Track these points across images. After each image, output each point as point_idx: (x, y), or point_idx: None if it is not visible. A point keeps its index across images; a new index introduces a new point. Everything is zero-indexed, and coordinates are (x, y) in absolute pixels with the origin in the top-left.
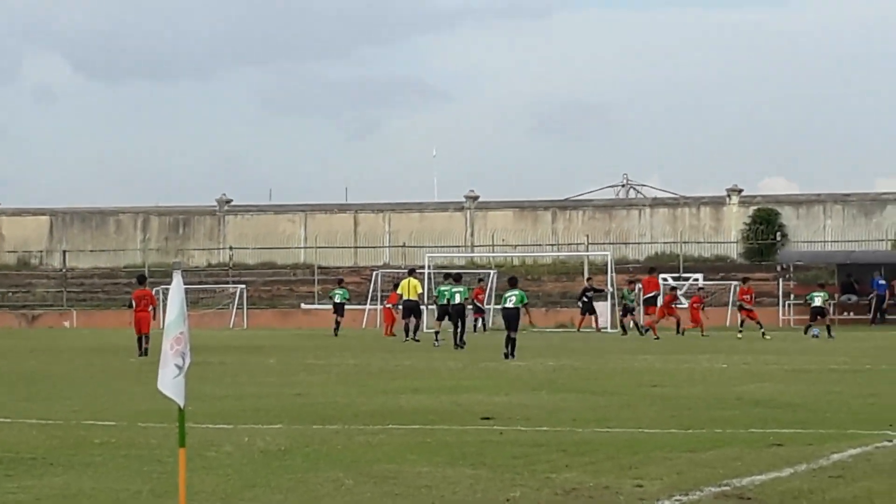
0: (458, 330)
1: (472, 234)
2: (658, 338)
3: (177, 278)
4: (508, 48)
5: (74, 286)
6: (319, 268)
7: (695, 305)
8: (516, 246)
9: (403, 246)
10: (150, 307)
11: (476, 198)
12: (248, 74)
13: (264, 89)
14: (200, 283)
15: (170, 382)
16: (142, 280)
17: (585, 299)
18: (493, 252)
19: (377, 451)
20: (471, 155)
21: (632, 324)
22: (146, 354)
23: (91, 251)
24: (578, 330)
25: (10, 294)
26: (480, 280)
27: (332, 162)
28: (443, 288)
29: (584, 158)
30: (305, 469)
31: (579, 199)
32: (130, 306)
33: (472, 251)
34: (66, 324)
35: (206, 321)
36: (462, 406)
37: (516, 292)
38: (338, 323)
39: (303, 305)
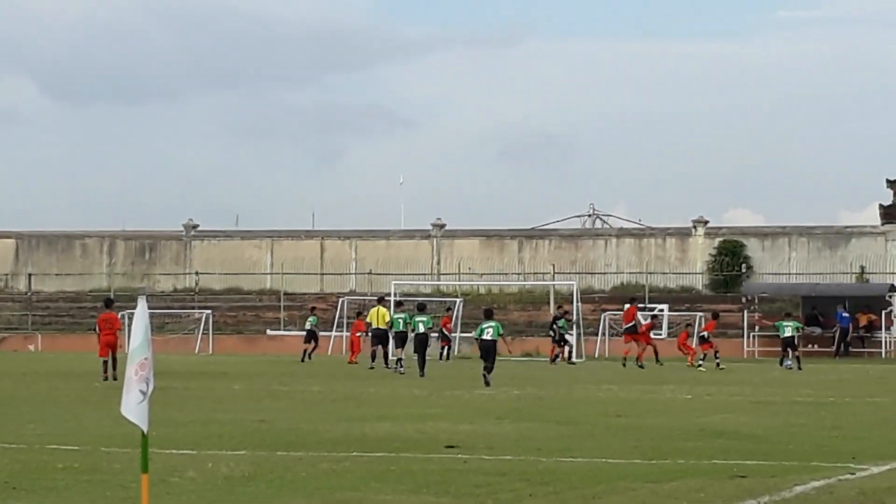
0: (421, 359)
1: (438, 262)
2: (643, 366)
3: (141, 304)
4: (475, 76)
5: (40, 309)
6: (286, 294)
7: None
8: (482, 274)
9: (370, 273)
10: (116, 330)
11: (443, 226)
12: (216, 98)
13: (232, 114)
14: (166, 307)
15: (134, 407)
16: (108, 304)
17: (554, 329)
18: (460, 280)
19: (341, 478)
20: (437, 183)
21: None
22: (115, 379)
23: (57, 275)
24: (552, 361)
25: None
26: (448, 309)
27: (300, 188)
28: (397, 316)
29: (550, 188)
30: (269, 496)
31: (546, 228)
32: (96, 330)
33: (439, 279)
34: (31, 347)
35: (171, 346)
36: (426, 434)
37: (493, 323)
38: (305, 350)
39: (268, 331)
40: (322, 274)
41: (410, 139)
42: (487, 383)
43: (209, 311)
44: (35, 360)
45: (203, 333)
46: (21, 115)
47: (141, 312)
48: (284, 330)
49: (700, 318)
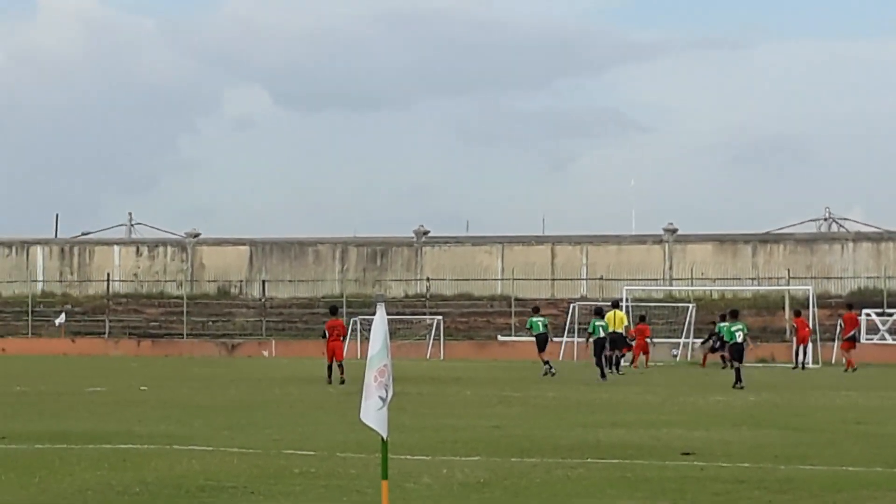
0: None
1: (670, 268)
2: (855, 369)
3: (380, 311)
4: (707, 80)
5: (273, 316)
6: (516, 300)
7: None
8: (716, 279)
9: (601, 279)
10: (342, 337)
11: (675, 230)
12: (446, 105)
13: (462, 120)
14: (398, 313)
15: (373, 414)
16: (334, 311)
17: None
18: (692, 286)
19: (576, 485)
20: (669, 187)
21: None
22: (343, 383)
23: (290, 281)
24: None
25: (211, 323)
26: (643, 317)
27: (530, 193)
28: (533, 319)
29: (784, 191)
30: (504, 502)
31: (780, 232)
32: (324, 336)
33: (671, 284)
34: (265, 353)
35: (403, 352)
36: (661, 441)
37: (741, 325)
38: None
39: (499, 337)
40: (553, 279)
41: (642, 144)
42: (737, 386)
43: (440, 317)
44: (269, 366)
45: (434, 339)
46: (255, 124)
47: (380, 319)
48: (515, 336)
49: None
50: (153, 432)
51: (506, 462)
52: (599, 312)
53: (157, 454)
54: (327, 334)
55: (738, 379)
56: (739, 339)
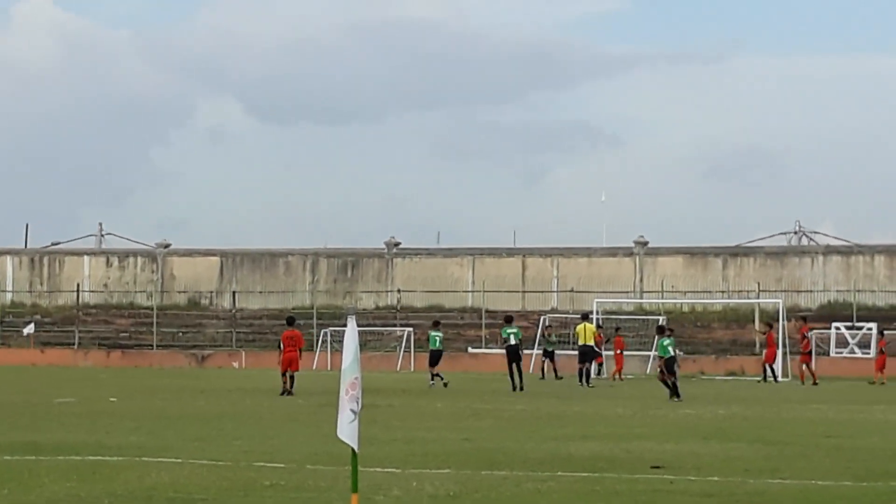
0: (516, 372)
1: (641, 280)
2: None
3: (351, 324)
4: (679, 93)
5: (244, 327)
6: (487, 311)
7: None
8: (686, 292)
9: (572, 291)
10: (299, 348)
11: (645, 243)
12: (418, 118)
13: (434, 133)
14: (368, 325)
15: (345, 427)
16: (290, 321)
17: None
18: (663, 298)
19: (546, 498)
20: (640, 200)
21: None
22: (291, 394)
23: (260, 292)
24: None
25: (181, 334)
26: (618, 328)
27: (502, 206)
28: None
29: (755, 205)
30: None
31: (751, 245)
32: (279, 347)
33: (642, 297)
34: (236, 364)
35: (373, 364)
36: (632, 454)
37: (670, 339)
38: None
39: (470, 349)
40: (524, 292)
41: (614, 157)
42: (677, 394)
43: (411, 329)
44: (239, 377)
45: (405, 351)
46: (226, 135)
47: (351, 332)
48: (486, 348)
49: None
50: (123, 444)
51: (476, 475)
52: (510, 320)
53: (127, 466)
54: (283, 346)
55: (676, 393)
56: (671, 353)
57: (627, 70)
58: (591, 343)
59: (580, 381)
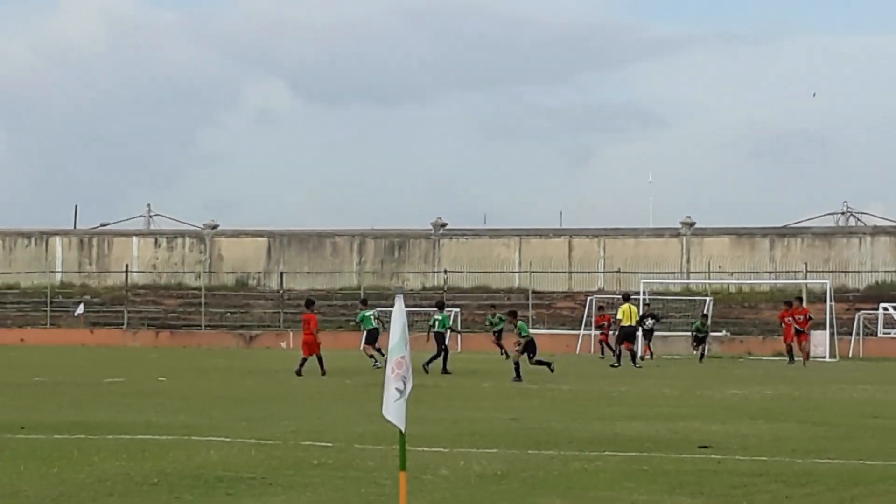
0: (441, 357)
1: (687, 261)
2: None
3: (398, 303)
4: (727, 74)
5: (291, 307)
6: (534, 292)
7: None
8: (733, 273)
9: (618, 272)
10: (314, 330)
11: (692, 224)
12: (466, 99)
13: (482, 114)
14: (415, 306)
15: (391, 406)
16: (308, 304)
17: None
18: (710, 279)
19: (594, 477)
20: (687, 181)
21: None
22: (299, 374)
23: (308, 273)
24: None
25: (229, 314)
26: (602, 307)
27: (548, 187)
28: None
29: (802, 185)
30: (522, 494)
31: (798, 226)
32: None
33: (688, 277)
34: (283, 345)
35: (420, 344)
36: (679, 434)
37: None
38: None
39: None
40: (570, 272)
41: (661, 138)
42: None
43: (457, 309)
44: (287, 358)
45: (451, 331)
46: (275, 117)
47: (398, 311)
48: (532, 328)
49: None
50: (172, 423)
51: (523, 454)
52: (440, 306)
53: (176, 445)
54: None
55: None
56: (528, 333)
57: (675, 51)
58: (634, 323)
59: (618, 362)
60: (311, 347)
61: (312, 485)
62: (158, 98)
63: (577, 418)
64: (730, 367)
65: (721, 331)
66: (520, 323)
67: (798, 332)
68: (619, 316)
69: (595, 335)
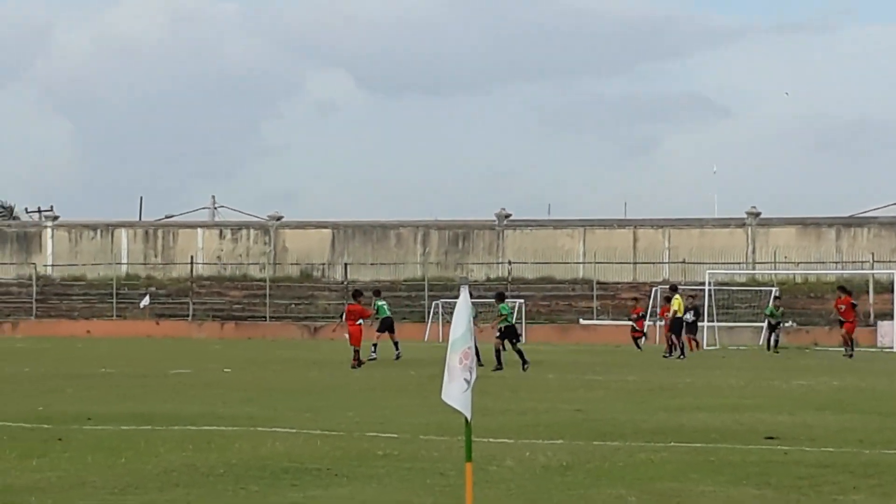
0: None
1: (753, 251)
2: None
3: (464, 294)
4: (791, 64)
5: None
6: (598, 283)
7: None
8: (799, 263)
9: (683, 262)
10: (360, 321)
11: (757, 214)
12: (527, 90)
13: (542, 105)
14: (479, 297)
15: (458, 396)
16: (355, 295)
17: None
18: (776, 269)
19: (659, 468)
20: (752, 171)
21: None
22: (360, 364)
23: (372, 264)
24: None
25: (293, 306)
26: (636, 299)
27: (611, 178)
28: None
29: (868, 175)
30: (587, 485)
31: (864, 216)
32: (341, 318)
33: (754, 268)
34: (347, 336)
35: (485, 336)
36: (744, 425)
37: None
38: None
39: (581, 321)
40: (635, 263)
41: (724, 127)
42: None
43: (522, 301)
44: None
45: (516, 322)
46: (337, 108)
47: (464, 302)
48: (597, 319)
49: None
50: (237, 414)
51: (588, 445)
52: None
53: (241, 436)
54: (345, 318)
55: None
56: (509, 314)
57: (737, 40)
58: (682, 315)
59: (669, 353)
60: (355, 338)
61: (378, 476)
62: (221, 90)
63: (641, 409)
64: (796, 358)
65: (787, 321)
66: (501, 304)
67: (841, 323)
68: (675, 307)
69: (659, 326)
